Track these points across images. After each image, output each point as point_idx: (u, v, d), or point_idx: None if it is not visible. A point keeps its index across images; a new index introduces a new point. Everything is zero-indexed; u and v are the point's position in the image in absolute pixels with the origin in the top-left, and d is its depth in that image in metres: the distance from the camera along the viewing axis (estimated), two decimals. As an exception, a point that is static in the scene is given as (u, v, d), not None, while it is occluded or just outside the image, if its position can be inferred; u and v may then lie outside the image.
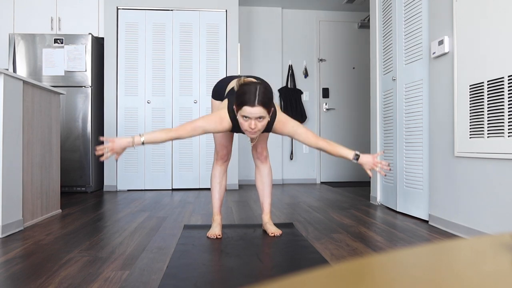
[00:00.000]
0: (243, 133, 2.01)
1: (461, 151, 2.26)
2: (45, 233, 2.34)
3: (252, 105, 1.81)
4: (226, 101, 2.04)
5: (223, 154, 2.31)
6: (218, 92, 2.26)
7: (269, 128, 2.04)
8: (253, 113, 1.82)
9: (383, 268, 0.33)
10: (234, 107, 1.90)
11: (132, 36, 4.55)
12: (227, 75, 1.91)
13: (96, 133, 4.45)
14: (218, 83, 2.32)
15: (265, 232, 2.33)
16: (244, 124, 1.87)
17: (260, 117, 1.84)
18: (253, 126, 1.85)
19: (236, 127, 2.02)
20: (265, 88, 1.87)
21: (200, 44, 4.63)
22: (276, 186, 5.00)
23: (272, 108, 1.92)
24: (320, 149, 2.03)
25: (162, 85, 4.58)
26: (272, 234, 2.25)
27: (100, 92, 4.62)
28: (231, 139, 2.31)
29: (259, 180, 2.38)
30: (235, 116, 1.94)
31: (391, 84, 3.20)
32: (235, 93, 1.91)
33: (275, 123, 2.03)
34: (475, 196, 2.16)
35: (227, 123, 1.98)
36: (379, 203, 3.46)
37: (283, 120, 2.05)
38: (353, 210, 3.14)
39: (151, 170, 4.54)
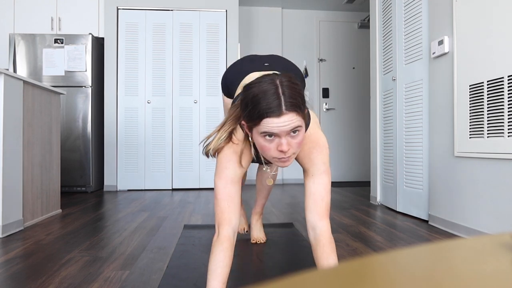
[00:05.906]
0: (268, 162, 1.34)
1: (461, 151, 2.26)
2: (45, 233, 2.34)
3: (278, 113, 1.04)
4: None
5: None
6: (229, 88, 1.64)
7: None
8: (282, 125, 1.05)
9: (383, 268, 0.33)
10: (244, 125, 1.14)
11: (132, 36, 4.55)
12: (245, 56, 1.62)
13: (96, 133, 4.45)
14: (229, 72, 1.66)
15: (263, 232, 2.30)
16: (268, 148, 1.10)
17: (294, 129, 1.07)
18: (285, 148, 1.07)
19: (257, 157, 1.31)
20: (290, 79, 1.10)
21: (200, 44, 4.63)
22: (276, 186, 5.00)
23: (306, 110, 1.15)
24: (312, 226, 1.27)
25: (162, 85, 4.58)
26: (254, 241, 2.08)
27: (100, 92, 4.62)
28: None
29: (259, 180, 2.32)
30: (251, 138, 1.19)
31: (391, 84, 3.20)
32: (241, 105, 1.15)
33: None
34: (475, 196, 2.16)
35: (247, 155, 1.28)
36: (379, 203, 3.46)
37: (316, 136, 1.28)
38: (353, 210, 3.14)
39: (151, 170, 4.54)
